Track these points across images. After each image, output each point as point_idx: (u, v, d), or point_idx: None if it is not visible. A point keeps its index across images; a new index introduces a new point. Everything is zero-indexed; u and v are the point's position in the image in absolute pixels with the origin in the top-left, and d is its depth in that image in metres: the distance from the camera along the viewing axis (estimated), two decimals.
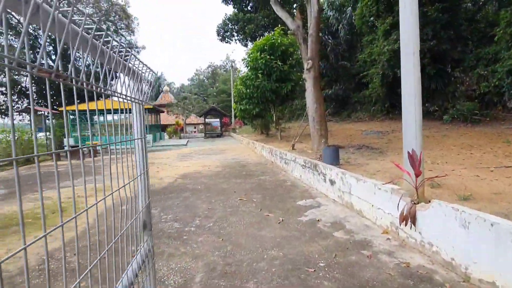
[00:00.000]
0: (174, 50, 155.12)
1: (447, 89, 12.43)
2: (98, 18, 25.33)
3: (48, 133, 17.11)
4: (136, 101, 1.24)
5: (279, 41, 13.56)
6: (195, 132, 36.46)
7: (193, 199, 5.45)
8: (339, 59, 20.17)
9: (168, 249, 3.38)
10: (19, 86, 22.40)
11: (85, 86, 0.82)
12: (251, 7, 21.84)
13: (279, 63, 13.41)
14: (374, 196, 3.85)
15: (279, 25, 14.60)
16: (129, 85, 1.23)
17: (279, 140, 14.00)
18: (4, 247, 3.62)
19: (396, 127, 12.46)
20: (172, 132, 28.83)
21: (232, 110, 23.00)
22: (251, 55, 13.99)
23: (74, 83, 0.75)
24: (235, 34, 22.80)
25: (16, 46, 0.72)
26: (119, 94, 1.09)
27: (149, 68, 1.21)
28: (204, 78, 60.40)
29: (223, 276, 2.72)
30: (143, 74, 1.23)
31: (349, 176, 4.53)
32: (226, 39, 23.12)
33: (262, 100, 13.98)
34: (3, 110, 23.67)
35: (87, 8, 25.33)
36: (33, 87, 24.23)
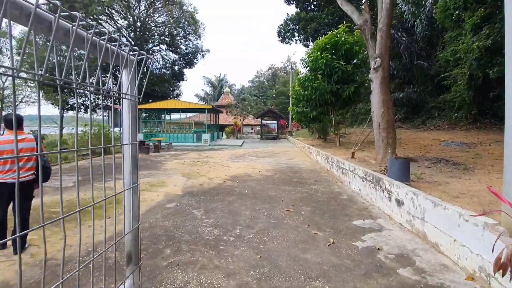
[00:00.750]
0: (237, 53, 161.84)
1: None
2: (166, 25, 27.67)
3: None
4: (126, 96, 0.93)
5: (342, 39, 12.52)
6: (252, 133, 37.02)
7: (238, 205, 5.19)
8: (414, 58, 17.87)
9: (202, 259, 3.13)
10: None
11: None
12: (314, 6, 20.99)
13: (342, 63, 12.37)
14: (458, 228, 2.97)
15: (344, 23, 13.51)
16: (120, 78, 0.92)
17: (338, 146, 12.99)
18: (60, 233, 3.87)
19: (485, 138, 10.30)
20: (229, 132, 29.72)
21: (290, 112, 22.47)
22: (311, 55, 13.23)
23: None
24: (296, 34, 22.17)
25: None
26: (101, 90, 0.78)
27: (140, 53, 0.89)
28: (264, 80, 60.98)
29: None
30: (132, 61, 0.92)
31: (423, 198, 3.65)
32: (287, 39, 22.66)
33: (321, 102, 13.10)
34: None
35: (161, 16, 27.93)
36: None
